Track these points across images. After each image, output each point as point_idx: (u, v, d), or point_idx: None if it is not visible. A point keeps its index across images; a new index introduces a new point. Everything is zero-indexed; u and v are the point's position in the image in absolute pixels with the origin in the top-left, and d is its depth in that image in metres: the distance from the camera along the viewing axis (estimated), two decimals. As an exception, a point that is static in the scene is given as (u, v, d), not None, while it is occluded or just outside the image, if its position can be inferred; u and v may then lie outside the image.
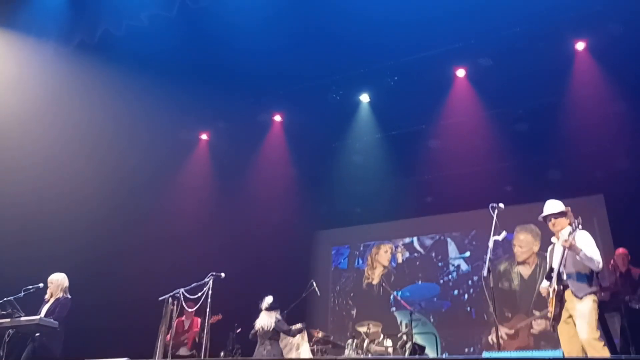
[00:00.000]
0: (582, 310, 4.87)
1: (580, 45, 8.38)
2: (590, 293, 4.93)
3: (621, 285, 7.07)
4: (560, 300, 5.04)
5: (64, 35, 8.26)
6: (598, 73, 8.36)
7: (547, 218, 5.36)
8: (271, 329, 7.04)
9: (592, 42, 8.27)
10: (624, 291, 6.91)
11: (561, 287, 5.06)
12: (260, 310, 7.26)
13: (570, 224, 5.20)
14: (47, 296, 6.55)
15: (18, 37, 8.18)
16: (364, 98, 10.02)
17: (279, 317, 7.21)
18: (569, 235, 5.00)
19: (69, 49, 8.32)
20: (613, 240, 8.89)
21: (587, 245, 4.99)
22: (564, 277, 5.06)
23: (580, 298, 4.92)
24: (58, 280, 6.57)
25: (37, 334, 6.04)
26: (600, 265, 4.94)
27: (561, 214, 5.29)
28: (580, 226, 5.03)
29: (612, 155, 9.07)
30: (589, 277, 4.98)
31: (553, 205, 5.37)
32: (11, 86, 8.14)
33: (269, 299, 7.29)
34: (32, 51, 8.15)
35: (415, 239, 11.64)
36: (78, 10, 8.26)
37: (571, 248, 4.93)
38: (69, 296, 6.56)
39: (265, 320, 7.11)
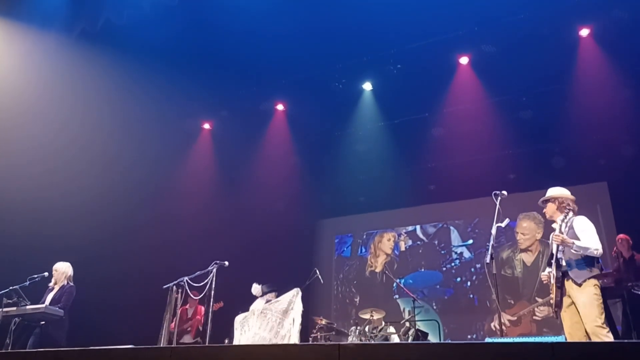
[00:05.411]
0: (583, 299, 4.82)
1: (584, 32, 8.31)
2: (590, 278, 4.86)
3: (624, 271, 7.05)
4: (561, 287, 5.00)
5: (65, 24, 8.25)
6: (602, 60, 8.29)
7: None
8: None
9: (597, 28, 8.19)
10: (626, 277, 6.88)
11: (560, 273, 5.02)
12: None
13: (562, 211, 5.18)
14: (51, 284, 6.63)
15: (19, 27, 8.16)
16: (367, 86, 9.97)
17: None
18: (561, 225, 5.02)
19: (70, 39, 8.31)
20: (616, 227, 8.88)
21: (584, 232, 4.95)
22: (563, 263, 5.02)
23: (580, 284, 4.87)
24: (63, 269, 6.67)
25: (43, 322, 6.11)
26: (599, 252, 4.87)
27: (546, 201, 5.30)
28: (566, 217, 5.07)
29: (616, 143, 9.02)
30: (587, 262, 4.90)
31: (548, 192, 5.36)
32: (14, 76, 8.14)
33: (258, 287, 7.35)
34: (33, 41, 8.14)
35: (418, 227, 11.66)
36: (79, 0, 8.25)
37: (563, 243, 4.93)
38: (73, 284, 6.64)
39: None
